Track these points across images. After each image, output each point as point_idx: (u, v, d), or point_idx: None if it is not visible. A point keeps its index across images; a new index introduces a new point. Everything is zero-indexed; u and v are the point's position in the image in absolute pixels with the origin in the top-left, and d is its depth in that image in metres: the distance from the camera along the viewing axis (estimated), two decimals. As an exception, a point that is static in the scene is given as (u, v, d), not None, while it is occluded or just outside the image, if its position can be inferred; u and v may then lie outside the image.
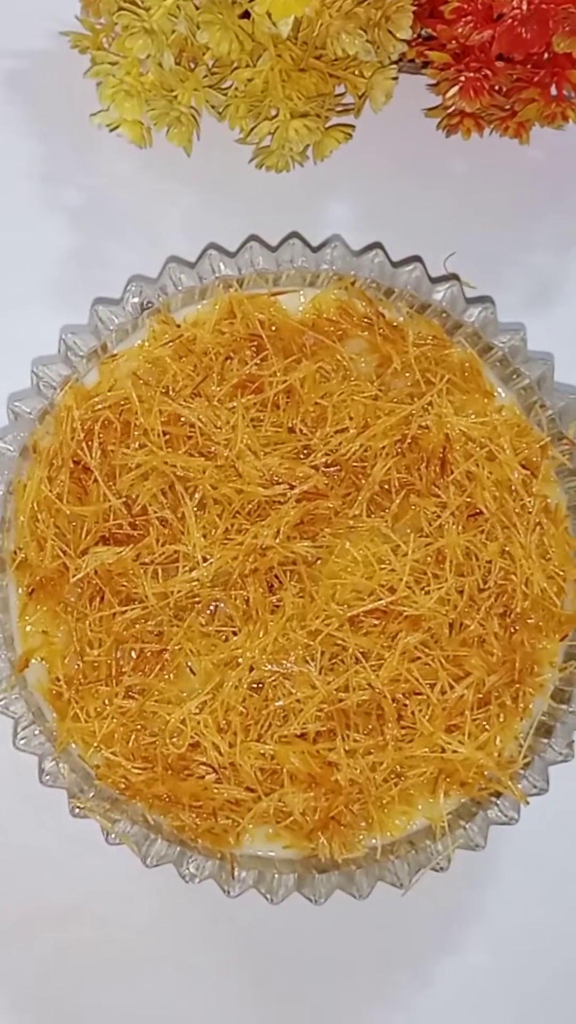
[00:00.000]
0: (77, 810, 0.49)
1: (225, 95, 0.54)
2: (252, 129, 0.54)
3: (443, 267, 0.57)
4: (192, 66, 0.54)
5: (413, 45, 0.54)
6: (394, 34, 0.51)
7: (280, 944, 0.56)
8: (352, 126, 0.56)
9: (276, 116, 0.54)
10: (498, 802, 0.51)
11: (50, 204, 0.58)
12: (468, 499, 0.51)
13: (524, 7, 0.50)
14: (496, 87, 0.54)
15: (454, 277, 0.53)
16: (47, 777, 0.50)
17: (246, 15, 0.52)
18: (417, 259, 0.54)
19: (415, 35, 0.54)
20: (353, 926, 0.55)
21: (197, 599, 0.50)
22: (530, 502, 0.52)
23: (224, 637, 0.50)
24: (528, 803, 0.50)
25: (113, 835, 0.50)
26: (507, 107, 0.55)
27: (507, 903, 0.56)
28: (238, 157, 0.56)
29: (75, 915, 0.56)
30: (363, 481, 0.51)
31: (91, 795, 0.50)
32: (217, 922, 0.55)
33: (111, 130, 0.54)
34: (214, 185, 0.58)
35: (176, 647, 0.50)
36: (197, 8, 0.51)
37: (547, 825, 0.53)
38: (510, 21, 0.51)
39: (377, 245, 0.54)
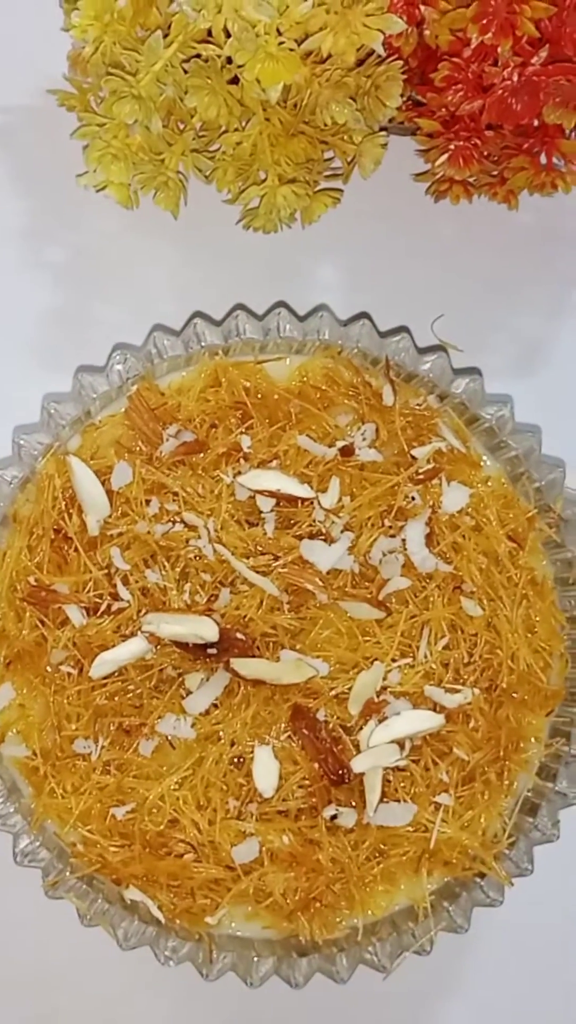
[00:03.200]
0: (51, 891, 0.48)
1: (213, 158, 0.54)
2: (241, 193, 0.54)
3: (430, 330, 0.57)
4: (180, 128, 0.54)
5: (403, 109, 0.54)
6: (384, 102, 0.51)
7: (258, 1023, 0.54)
8: (340, 190, 0.55)
9: (264, 180, 0.53)
10: (482, 883, 0.50)
11: (34, 262, 0.57)
12: (454, 571, 0.50)
13: (515, 78, 0.50)
14: (486, 154, 0.53)
15: (441, 348, 0.53)
16: (23, 857, 0.49)
17: (235, 80, 0.51)
18: (404, 329, 0.54)
19: (405, 98, 0.53)
20: (332, 1004, 0.54)
21: (179, 671, 0.50)
22: (516, 574, 0.51)
23: (205, 711, 0.49)
24: (512, 885, 0.50)
25: (89, 917, 0.49)
26: (496, 173, 0.55)
27: (489, 981, 0.55)
28: (225, 217, 0.56)
29: (52, 985, 0.54)
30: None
31: (67, 873, 0.49)
32: (195, 997, 0.54)
33: (97, 191, 0.53)
34: (201, 245, 0.58)
35: (156, 719, 0.49)
36: (186, 73, 0.51)
37: (530, 904, 0.52)
38: (501, 92, 0.50)
39: (364, 315, 0.54)
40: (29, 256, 0.57)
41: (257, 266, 0.58)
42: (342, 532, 0.50)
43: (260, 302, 0.57)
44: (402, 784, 0.49)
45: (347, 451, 0.51)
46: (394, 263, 0.58)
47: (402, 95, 0.52)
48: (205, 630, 0.49)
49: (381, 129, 0.53)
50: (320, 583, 0.50)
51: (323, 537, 0.50)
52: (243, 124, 0.53)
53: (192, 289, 0.57)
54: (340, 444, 0.51)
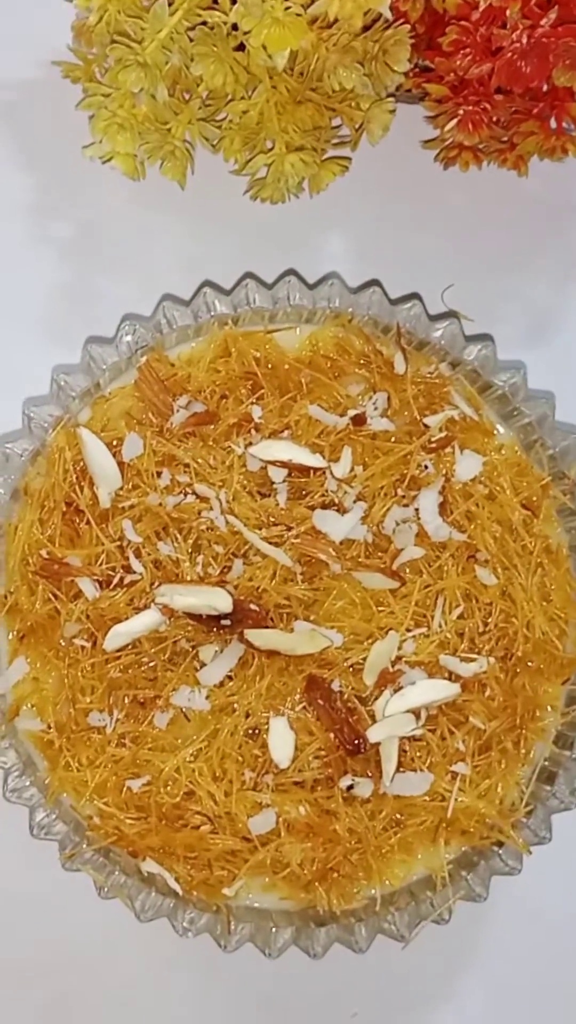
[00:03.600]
0: (68, 863, 0.48)
1: (219, 127, 0.53)
2: (248, 162, 0.53)
3: (441, 300, 0.56)
4: (186, 97, 0.53)
5: (411, 76, 0.53)
6: (391, 67, 0.51)
7: (277, 994, 0.54)
8: (348, 158, 0.55)
9: (272, 149, 0.53)
10: (500, 851, 0.50)
11: (40, 237, 0.57)
12: (468, 540, 0.50)
13: (524, 40, 0.50)
14: (495, 119, 0.53)
15: (453, 315, 0.52)
16: (39, 830, 0.49)
17: (241, 47, 0.51)
18: (415, 296, 0.53)
19: (413, 65, 0.53)
20: (350, 975, 0.54)
21: (193, 643, 0.49)
22: (531, 542, 0.51)
23: (219, 682, 0.49)
24: (531, 853, 0.49)
25: (106, 889, 0.48)
26: (505, 139, 0.55)
27: (507, 950, 0.55)
28: (232, 188, 0.55)
29: (69, 965, 0.54)
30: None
31: (83, 846, 0.49)
32: (213, 972, 0.54)
33: (104, 162, 0.53)
34: (208, 217, 0.57)
35: (171, 691, 0.49)
36: (191, 40, 0.50)
37: (547, 873, 0.52)
38: (510, 55, 0.50)
39: (375, 283, 0.53)
40: (36, 230, 0.57)
41: (265, 237, 0.57)
42: (355, 502, 0.50)
43: (269, 273, 0.56)
44: (418, 754, 0.49)
45: (359, 420, 0.50)
46: (403, 233, 0.58)
47: (410, 61, 0.51)
48: (219, 601, 0.48)
49: (389, 96, 0.53)
50: (333, 553, 0.49)
51: (336, 507, 0.50)
52: (249, 92, 0.52)
53: (200, 261, 0.57)
54: (352, 413, 0.50)
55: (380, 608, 0.50)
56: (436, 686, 0.49)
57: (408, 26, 0.51)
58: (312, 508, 0.50)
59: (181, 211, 0.57)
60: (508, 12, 0.49)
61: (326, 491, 0.50)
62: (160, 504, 0.49)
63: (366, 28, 0.50)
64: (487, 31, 0.50)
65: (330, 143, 0.54)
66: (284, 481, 0.50)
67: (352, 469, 0.50)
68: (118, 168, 0.53)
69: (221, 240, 0.57)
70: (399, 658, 0.49)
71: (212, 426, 0.50)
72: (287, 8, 0.48)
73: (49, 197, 0.57)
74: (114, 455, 0.49)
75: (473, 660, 0.49)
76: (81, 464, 0.49)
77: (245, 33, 0.49)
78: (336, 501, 0.50)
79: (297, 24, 0.49)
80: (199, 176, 0.54)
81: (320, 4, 0.49)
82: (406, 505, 0.50)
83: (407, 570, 0.50)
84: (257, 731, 0.49)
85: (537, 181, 0.58)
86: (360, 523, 0.50)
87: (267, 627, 0.49)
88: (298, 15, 0.49)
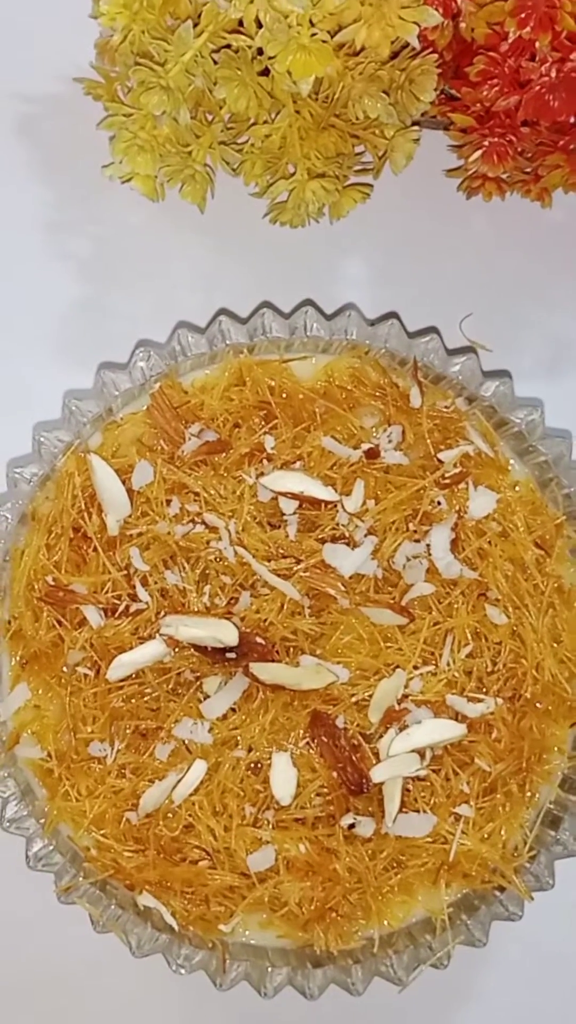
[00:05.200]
0: (64, 896, 0.47)
1: (241, 149, 0.53)
2: (269, 186, 0.53)
3: (459, 328, 0.55)
4: (209, 118, 0.53)
5: (436, 103, 0.52)
6: (417, 97, 0.50)
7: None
8: (370, 185, 0.54)
9: (293, 175, 0.52)
10: (501, 896, 0.49)
11: (57, 253, 0.57)
12: (479, 578, 0.49)
13: (552, 74, 0.49)
14: (520, 150, 0.52)
15: (471, 349, 0.51)
16: (36, 861, 0.48)
17: (266, 72, 0.50)
18: (434, 330, 0.53)
19: (439, 91, 0.52)
20: (346, 1018, 0.53)
21: (197, 675, 0.49)
22: (543, 582, 0.50)
23: (223, 715, 0.48)
24: (533, 899, 0.49)
25: (102, 923, 0.48)
26: (530, 170, 0.54)
27: (506, 997, 0.54)
28: (252, 210, 0.55)
29: (63, 991, 0.54)
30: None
31: (80, 878, 0.48)
32: (207, 1008, 0.53)
33: (123, 182, 0.52)
34: (226, 238, 0.57)
35: (173, 723, 0.48)
36: (215, 63, 0.50)
37: (548, 918, 0.51)
38: (538, 88, 0.49)
39: (393, 315, 0.53)
40: (53, 248, 0.56)
41: (284, 261, 0.56)
42: (365, 536, 0.49)
43: (286, 297, 0.56)
44: (422, 794, 0.49)
45: (372, 453, 0.50)
46: (424, 259, 0.57)
47: (436, 88, 0.51)
48: (225, 634, 0.48)
49: (413, 123, 0.52)
50: (342, 588, 0.49)
51: (346, 541, 0.49)
52: (272, 116, 0.52)
53: (217, 283, 0.56)
54: (365, 447, 0.50)
55: (388, 644, 0.49)
56: (442, 726, 0.48)
57: (435, 55, 0.50)
58: (322, 541, 0.49)
59: (200, 231, 0.56)
60: (537, 44, 0.48)
61: (337, 524, 0.49)
62: (169, 533, 0.49)
63: (393, 56, 0.49)
64: (515, 63, 0.49)
65: (352, 169, 0.54)
66: (295, 513, 0.49)
67: (364, 503, 0.49)
68: (137, 189, 0.52)
69: (239, 262, 0.57)
70: (405, 696, 0.49)
71: (224, 455, 0.49)
72: (313, 34, 0.48)
73: (67, 213, 0.57)
74: (124, 482, 0.49)
75: (480, 701, 0.49)
76: (90, 490, 0.49)
77: (270, 58, 0.49)
78: (347, 535, 0.49)
79: (323, 51, 0.48)
80: (219, 197, 0.54)
81: (347, 32, 0.48)
82: (417, 541, 0.49)
83: (416, 606, 0.49)
84: (259, 765, 0.49)
85: (561, 211, 0.57)
86: (370, 558, 0.49)
87: (273, 661, 0.48)
88: (324, 42, 0.48)
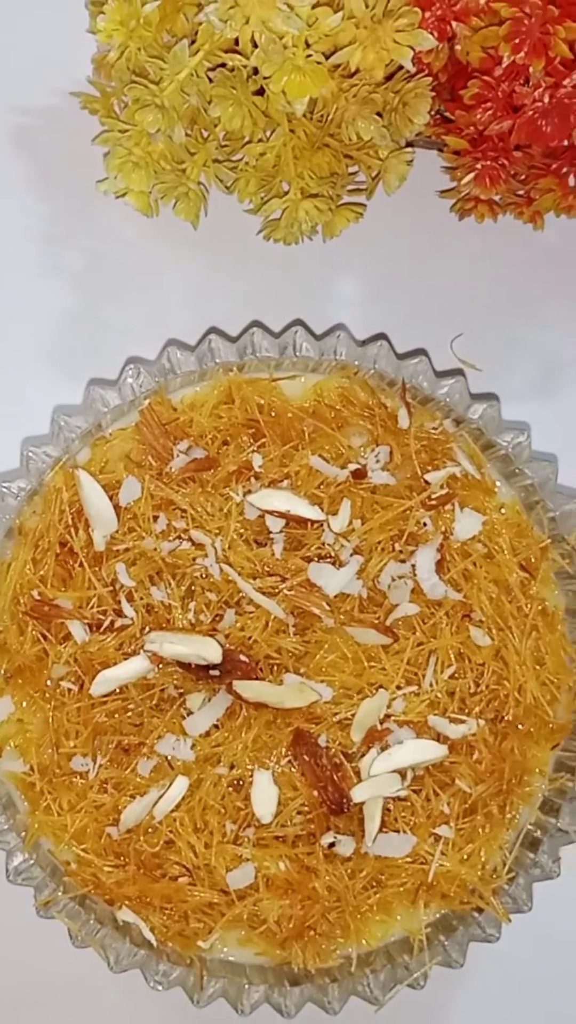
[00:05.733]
0: (43, 911, 0.48)
1: (235, 167, 0.53)
2: (263, 204, 0.53)
3: (450, 347, 0.56)
4: (204, 135, 0.53)
5: (431, 124, 0.53)
6: (411, 119, 0.50)
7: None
8: (364, 205, 0.54)
9: (287, 193, 0.52)
10: (479, 918, 0.49)
11: (50, 266, 0.57)
12: (464, 599, 0.50)
13: (546, 99, 0.49)
14: (513, 173, 0.52)
15: (459, 372, 0.52)
16: (15, 875, 0.48)
17: (261, 91, 0.50)
18: (422, 352, 0.53)
19: (433, 112, 0.52)
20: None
21: (181, 691, 0.49)
22: (526, 605, 0.50)
23: (205, 732, 0.49)
24: (510, 921, 0.49)
25: (80, 938, 0.48)
26: (522, 193, 0.54)
27: (482, 1018, 0.54)
28: (246, 226, 0.55)
29: (35, 1001, 0.54)
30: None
31: (59, 893, 0.48)
32: (182, 1022, 0.53)
33: (117, 197, 0.53)
34: (220, 253, 0.57)
35: (156, 739, 0.48)
36: (211, 81, 0.50)
37: (527, 941, 0.51)
38: (531, 113, 0.49)
39: (382, 336, 0.53)
40: (45, 260, 0.56)
41: (276, 277, 0.57)
42: (351, 556, 0.49)
43: (277, 314, 0.56)
44: (402, 814, 0.49)
45: (359, 474, 0.50)
46: (415, 278, 0.57)
47: (431, 109, 0.51)
48: (208, 651, 0.48)
49: (407, 144, 0.52)
50: (327, 607, 0.49)
51: (332, 560, 0.49)
52: (267, 135, 0.52)
53: (209, 298, 0.57)
54: (352, 467, 0.50)
55: (371, 664, 0.49)
56: (424, 747, 0.48)
57: (429, 78, 0.50)
58: (308, 560, 0.49)
59: (193, 246, 0.57)
60: (532, 70, 0.49)
61: (323, 543, 0.49)
62: (155, 549, 0.49)
63: (387, 77, 0.50)
64: (509, 87, 0.50)
65: (345, 189, 0.54)
66: (281, 531, 0.49)
67: (350, 523, 0.49)
68: (131, 204, 0.52)
69: (232, 277, 0.57)
70: (388, 716, 0.49)
71: (211, 472, 0.49)
72: (308, 56, 0.48)
73: (61, 226, 0.57)
74: (111, 498, 0.49)
75: (462, 722, 0.49)
76: (77, 505, 0.49)
77: (265, 78, 0.49)
78: (333, 554, 0.49)
79: (318, 72, 0.48)
80: (212, 212, 0.54)
81: (342, 54, 0.48)
82: (403, 561, 0.50)
83: (400, 626, 0.50)
84: (241, 783, 0.49)
85: (553, 232, 0.57)
86: (355, 577, 0.49)
87: (256, 679, 0.48)
88: (319, 63, 0.48)
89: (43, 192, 0.57)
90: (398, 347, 0.54)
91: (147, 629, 0.49)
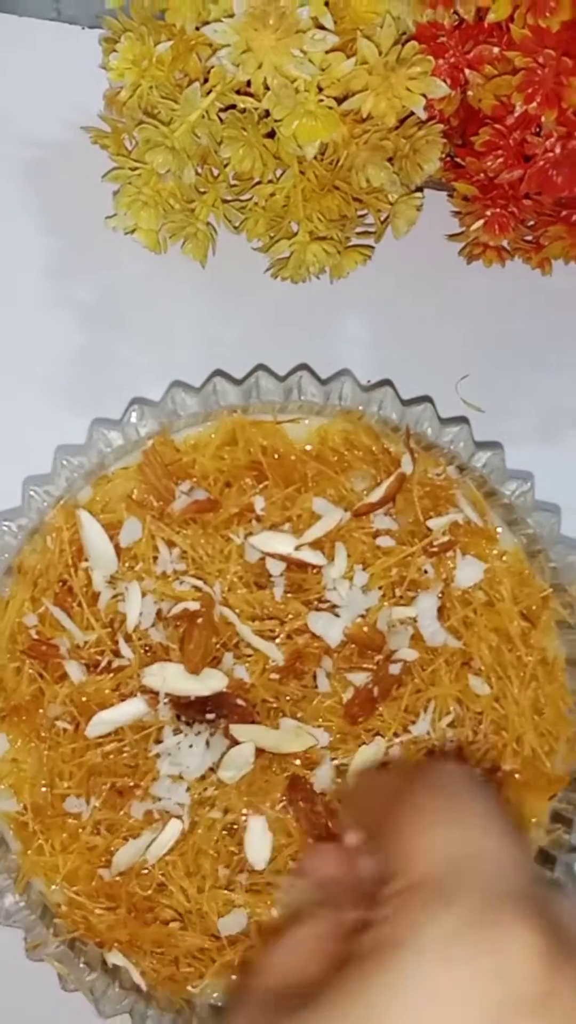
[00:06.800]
0: (32, 953, 0.47)
1: (244, 206, 0.53)
2: (272, 245, 0.53)
3: (455, 389, 0.56)
4: (214, 174, 0.53)
5: (442, 168, 0.53)
6: (421, 165, 0.50)
7: None
8: (372, 247, 0.54)
9: (295, 234, 0.52)
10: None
11: (57, 300, 0.56)
12: (464, 647, 0.49)
13: (557, 150, 0.49)
14: (522, 220, 0.52)
15: (464, 420, 0.52)
16: (6, 916, 0.48)
17: (271, 133, 0.50)
18: (427, 399, 0.53)
19: (443, 155, 0.52)
20: None
21: (176, 733, 0.49)
22: (526, 654, 0.50)
23: (201, 775, 0.48)
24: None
25: (69, 983, 0.48)
26: (531, 238, 0.54)
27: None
28: (254, 263, 0.55)
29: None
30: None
31: (50, 935, 0.48)
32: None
33: (126, 234, 0.53)
34: (227, 290, 0.57)
35: (151, 781, 0.48)
36: (221, 121, 0.50)
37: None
38: (542, 163, 0.49)
39: (387, 382, 0.53)
40: (52, 294, 0.56)
41: (283, 314, 0.57)
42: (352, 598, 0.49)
43: (283, 353, 0.56)
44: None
45: (360, 511, 0.50)
46: (422, 320, 0.57)
47: (441, 154, 0.51)
48: (213, 682, 0.48)
49: (417, 188, 0.52)
50: (330, 665, 0.49)
51: (331, 605, 0.49)
52: (277, 175, 0.52)
53: (215, 336, 0.57)
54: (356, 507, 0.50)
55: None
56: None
57: (441, 125, 0.50)
58: (308, 604, 0.49)
59: (201, 282, 0.56)
60: (544, 119, 0.49)
61: (323, 588, 0.49)
62: (155, 590, 0.49)
63: (399, 122, 0.50)
64: (521, 136, 0.50)
65: (354, 231, 0.54)
66: (282, 575, 0.49)
67: (351, 568, 0.49)
68: (140, 241, 0.52)
69: (238, 315, 0.57)
70: (385, 764, 0.49)
71: (213, 514, 0.49)
72: (320, 100, 0.48)
73: (68, 260, 0.57)
74: (111, 538, 0.49)
75: (459, 772, 0.48)
76: (77, 544, 0.49)
77: (276, 121, 0.49)
78: (332, 601, 0.49)
79: (329, 116, 0.48)
80: (221, 247, 0.54)
81: (354, 100, 0.48)
82: (403, 606, 0.49)
83: (399, 672, 0.49)
84: (235, 827, 0.48)
85: (561, 276, 0.57)
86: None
87: (253, 722, 0.48)
88: (331, 108, 0.48)
89: (52, 225, 0.57)
90: (403, 389, 0.54)
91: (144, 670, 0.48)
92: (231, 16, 0.46)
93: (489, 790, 0.36)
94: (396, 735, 0.49)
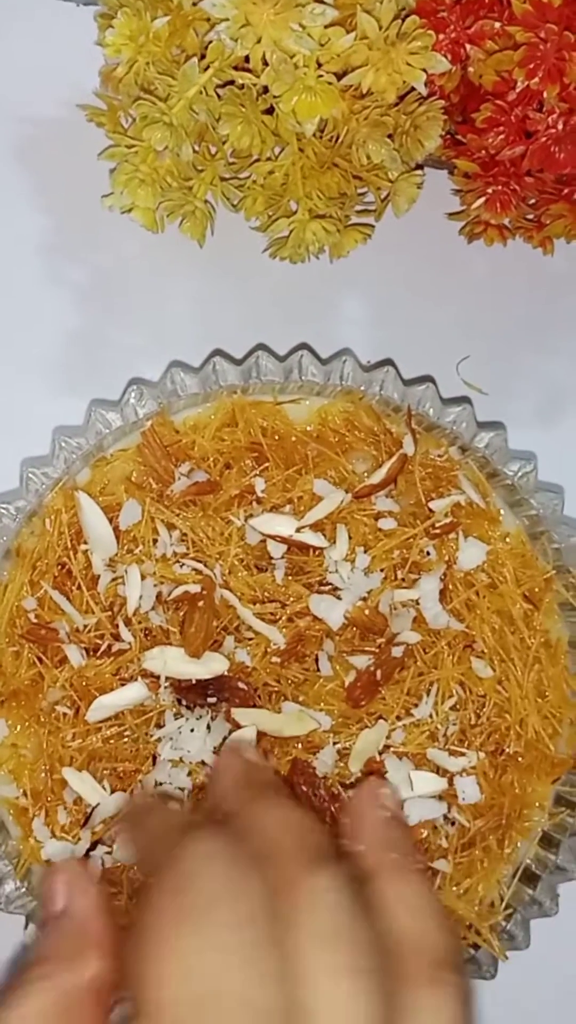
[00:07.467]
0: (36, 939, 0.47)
1: (243, 184, 0.52)
2: (270, 223, 0.52)
3: (456, 370, 0.55)
4: (211, 152, 0.52)
5: (442, 145, 0.52)
6: (422, 142, 0.49)
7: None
8: (372, 226, 0.53)
9: (294, 213, 0.52)
10: (475, 954, 0.49)
11: (53, 280, 0.56)
12: (466, 630, 0.49)
13: (560, 126, 0.48)
14: (523, 198, 0.52)
15: (467, 400, 0.51)
16: (7, 903, 0.47)
17: (270, 110, 0.49)
18: (429, 379, 0.52)
19: (444, 132, 0.52)
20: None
21: (177, 717, 0.48)
22: (529, 636, 0.50)
23: (202, 760, 0.48)
24: (507, 959, 0.48)
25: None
26: (532, 217, 0.53)
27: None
28: (252, 243, 0.54)
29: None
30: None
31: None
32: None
33: (122, 213, 0.52)
34: (225, 269, 0.56)
35: (152, 766, 0.48)
36: (219, 98, 0.49)
37: (524, 978, 0.50)
38: (544, 139, 0.49)
39: (389, 362, 0.52)
40: (48, 274, 0.56)
41: (281, 296, 0.56)
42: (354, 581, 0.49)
43: (283, 333, 0.55)
44: (399, 847, 0.48)
45: (361, 493, 0.49)
46: (423, 300, 0.57)
47: (441, 133, 0.50)
48: (215, 664, 0.47)
49: (417, 167, 0.52)
50: (332, 647, 0.48)
51: (333, 588, 0.49)
52: (275, 153, 0.51)
53: (213, 316, 0.56)
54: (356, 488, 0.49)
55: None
56: (423, 779, 0.48)
57: (441, 101, 0.49)
58: (310, 586, 0.49)
59: (198, 262, 0.56)
60: (545, 95, 0.48)
61: (324, 570, 0.49)
62: (154, 572, 0.48)
63: (399, 99, 0.49)
64: (522, 112, 0.49)
65: (354, 210, 0.53)
66: (283, 557, 0.49)
67: (352, 551, 0.49)
68: (137, 220, 0.52)
69: (236, 295, 0.56)
70: (387, 747, 0.48)
71: (213, 496, 0.49)
72: (320, 76, 0.47)
73: (63, 239, 0.56)
74: (111, 520, 0.48)
75: (462, 755, 0.48)
76: (76, 527, 0.48)
77: (275, 97, 0.48)
78: (334, 584, 0.49)
79: (329, 92, 0.48)
80: (219, 228, 0.53)
81: (354, 75, 0.47)
82: (405, 589, 0.49)
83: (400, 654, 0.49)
84: (237, 812, 0.48)
85: (562, 256, 0.57)
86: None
87: (254, 706, 0.48)
88: (330, 84, 0.47)
89: (46, 204, 0.56)
90: (404, 369, 0.54)
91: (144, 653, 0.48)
92: (229, -10, 0.46)
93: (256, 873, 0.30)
94: (399, 718, 0.48)
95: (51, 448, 0.49)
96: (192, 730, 0.48)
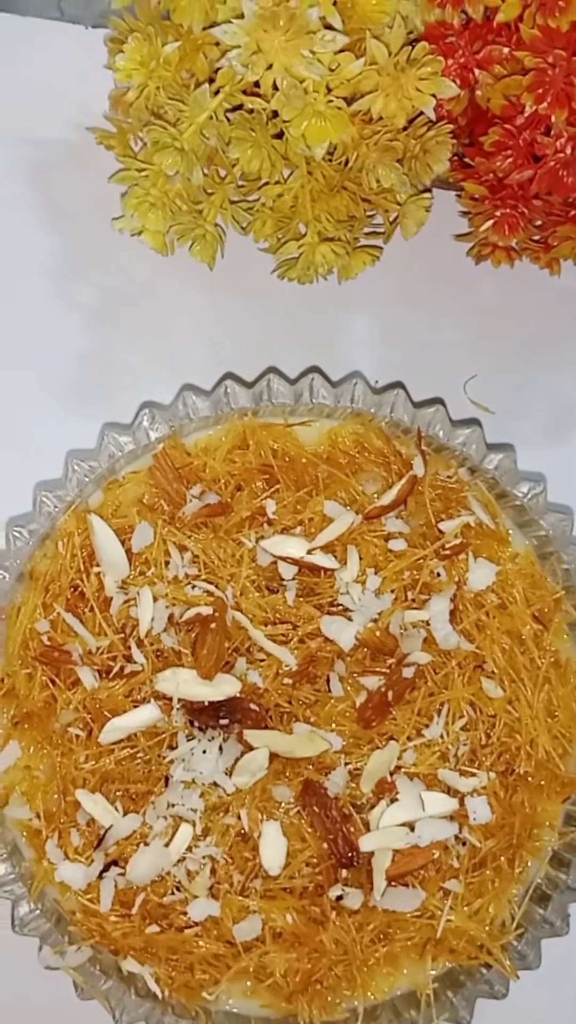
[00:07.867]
0: (49, 963, 0.47)
1: (252, 207, 0.52)
2: (280, 246, 0.53)
3: (463, 390, 0.55)
4: (221, 175, 0.52)
5: (450, 168, 0.52)
6: (431, 166, 0.50)
7: None
8: (380, 248, 0.54)
9: (304, 235, 0.52)
10: (487, 974, 0.49)
11: (63, 303, 0.56)
12: (476, 650, 0.49)
13: (568, 150, 0.49)
14: (531, 220, 0.52)
15: (476, 422, 0.51)
16: (21, 926, 0.48)
17: (280, 134, 0.50)
18: (439, 401, 0.52)
19: (452, 153, 0.52)
20: None
21: (189, 738, 0.48)
22: (539, 657, 0.50)
23: (214, 781, 0.48)
24: (518, 979, 0.48)
25: (85, 991, 0.47)
26: (539, 238, 0.54)
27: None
28: (261, 264, 0.54)
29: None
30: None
31: (65, 943, 0.48)
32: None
33: (133, 235, 0.52)
34: (234, 292, 0.56)
35: (164, 787, 0.48)
36: (229, 121, 0.50)
37: (534, 998, 0.50)
38: (552, 163, 0.49)
39: (399, 384, 0.52)
40: (59, 297, 0.56)
41: (291, 318, 0.56)
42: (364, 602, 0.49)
43: (292, 354, 0.55)
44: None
45: (372, 514, 0.49)
46: (431, 321, 0.57)
47: (449, 156, 0.50)
48: (226, 686, 0.48)
49: (425, 189, 0.52)
50: (343, 668, 0.49)
51: (343, 609, 0.49)
52: (285, 176, 0.51)
53: (223, 338, 0.56)
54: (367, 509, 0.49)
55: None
56: (434, 800, 0.48)
57: (450, 125, 0.50)
58: (320, 608, 0.49)
59: (208, 284, 0.56)
60: (553, 119, 0.48)
61: (336, 591, 0.49)
62: (166, 595, 0.48)
63: (408, 123, 0.49)
64: (531, 136, 0.49)
65: (363, 232, 0.53)
66: (294, 578, 0.49)
67: (363, 572, 0.49)
68: (147, 243, 0.52)
69: (246, 317, 0.57)
70: (398, 767, 0.48)
71: (224, 517, 0.49)
72: (329, 101, 0.48)
73: (75, 262, 0.57)
74: (123, 542, 0.48)
75: (473, 775, 0.48)
76: (89, 549, 0.48)
77: (285, 122, 0.48)
78: (345, 605, 0.49)
79: (339, 117, 0.48)
80: (229, 249, 0.54)
81: (363, 101, 0.48)
82: (416, 609, 0.49)
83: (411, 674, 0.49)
84: (249, 832, 0.48)
85: (569, 277, 0.57)
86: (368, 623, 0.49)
87: (266, 727, 0.48)
88: (340, 109, 0.48)
89: (57, 227, 0.57)
90: (412, 389, 0.54)
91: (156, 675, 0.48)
92: (239, 16, 0.46)
93: None
94: (409, 739, 0.49)
95: (64, 471, 0.49)
96: (204, 751, 0.48)
